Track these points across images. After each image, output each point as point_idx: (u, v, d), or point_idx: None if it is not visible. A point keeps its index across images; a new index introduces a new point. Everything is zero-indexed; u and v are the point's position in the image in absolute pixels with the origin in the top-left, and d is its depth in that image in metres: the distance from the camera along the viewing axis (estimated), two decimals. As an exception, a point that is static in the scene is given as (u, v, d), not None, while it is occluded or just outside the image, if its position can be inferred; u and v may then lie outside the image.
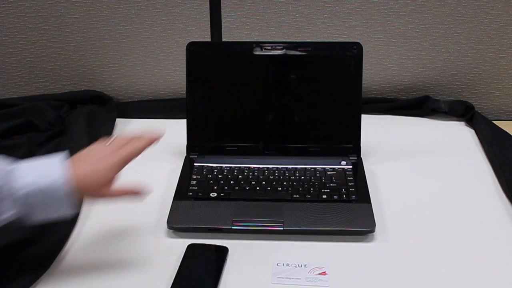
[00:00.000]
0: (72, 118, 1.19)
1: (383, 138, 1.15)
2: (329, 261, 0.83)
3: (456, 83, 1.27)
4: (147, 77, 1.29)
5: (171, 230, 0.89)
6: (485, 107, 1.28)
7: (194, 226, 0.89)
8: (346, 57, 1.04)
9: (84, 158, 0.78)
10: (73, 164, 0.76)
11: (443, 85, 1.27)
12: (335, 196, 0.95)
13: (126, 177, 1.04)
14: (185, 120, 1.06)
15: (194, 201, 0.94)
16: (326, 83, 1.06)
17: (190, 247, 0.85)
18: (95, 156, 0.78)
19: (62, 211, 0.75)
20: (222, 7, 1.20)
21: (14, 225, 0.74)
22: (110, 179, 0.78)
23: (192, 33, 1.23)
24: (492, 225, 0.91)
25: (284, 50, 1.04)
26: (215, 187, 0.97)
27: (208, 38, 1.23)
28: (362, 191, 0.96)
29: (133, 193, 0.81)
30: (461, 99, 1.26)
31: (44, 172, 0.74)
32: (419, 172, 1.05)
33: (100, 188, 0.77)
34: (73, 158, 0.78)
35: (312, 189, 0.97)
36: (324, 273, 0.81)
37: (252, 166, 1.03)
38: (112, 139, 0.82)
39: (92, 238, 0.89)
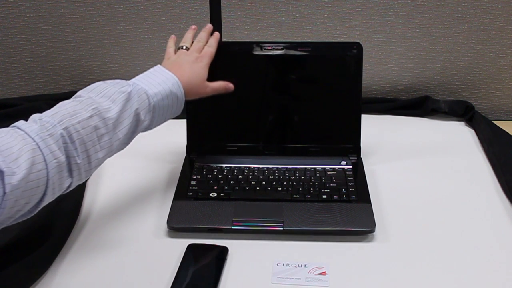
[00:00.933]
0: (72, 118, 1.19)
1: (383, 138, 1.15)
2: (329, 261, 0.83)
3: (456, 83, 1.27)
4: (147, 77, 1.29)
5: (171, 230, 0.89)
6: (485, 107, 1.29)
7: (194, 226, 0.89)
8: (346, 57, 1.04)
9: (178, 65, 0.92)
10: (174, 72, 0.88)
11: (443, 85, 1.27)
12: (335, 196, 0.95)
13: (126, 177, 1.05)
14: (185, 120, 1.06)
15: (194, 201, 0.94)
16: (326, 83, 1.06)
17: (190, 247, 0.85)
18: (187, 62, 0.93)
19: (177, 111, 0.89)
20: (222, 7, 1.20)
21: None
22: (205, 77, 0.93)
23: (192, 33, 1.23)
24: (492, 225, 0.91)
25: (284, 50, 1.04)
26: (215, 187, 0.97)
27: (208, 38, 1.23)
28: (362, 191, 0.96)
29: (226, 88, 0.97)
30: (461, 99, 1.26)
31: (162, 80, 0.86)
32: (419, 172, 1.05)
33: (200, 86, 0.92)
34: (169, 67, 0.90)
35: (312, 189, 0.97)
36: (324, 273, 0.81)
37: (252, 166, 1.03)
38: (185, 42, 0.98)
39: (92, 238, 0.89)
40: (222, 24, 1.21)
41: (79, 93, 0.81)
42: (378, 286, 0.79)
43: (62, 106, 0.76)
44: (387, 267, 0.83)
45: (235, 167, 1.02)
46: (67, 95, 1.25)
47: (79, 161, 0.74)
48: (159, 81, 0.86)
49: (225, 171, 1.01)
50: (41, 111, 1.22)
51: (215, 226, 0.89)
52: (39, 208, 0.72)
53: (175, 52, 0.97)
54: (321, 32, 1.22)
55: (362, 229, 0.88)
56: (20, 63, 1.27)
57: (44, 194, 0.70)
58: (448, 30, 1.21)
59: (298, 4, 1.19)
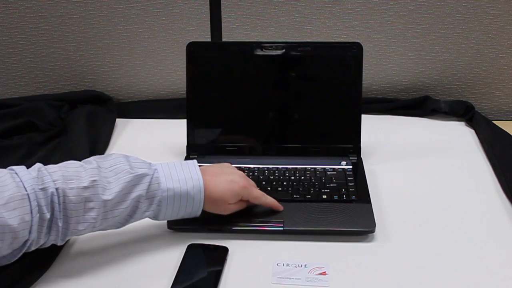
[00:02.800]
0: (72, 118, 1.19)
1: (383, 138, 1.15)
2: (329, 261, 0.83)
3: (456, 83, 1.27)
4: (147, 77, 1.29)
5: (171, 230, 0.89)
6: (485, 107, 1.28)
7: (194, 226, 0.89)
8: (346, 57, 1.04)
9: (215, 173, 0.86)
10: (205, 176, 0.83)
11: (443, 85, 1.27)
12: (335, 196, 0.95)
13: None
14: (185, 120, 1.06)
15: (194, 201, 0.94)
16: (326, 83, 1.06)
17: (190, 247, 0.85)
18: (226, 175, 0.86)
19: (191, 213, 0.84)
20: (222, 7, 1.20)
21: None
22: (228, 202, 0.85)
23: (192, 33, 1.23)
24: (492, 225, 0.91)
25: (284, 50, 1.04)
26: (215, 187, 0.97)
27: (208, 38, 1.23)
28: (362, 191, 0.96)
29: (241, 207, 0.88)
30: (461, 99, 1.26)
31: (184, 178, 0.81)
32: (419, 172, 1.05)
33: (221, 205, 0.85)
34: (205, 170, 0.85)
35: (312, 189, 0.97)
36: (324, 273, 0.81)
37: (252, 166, 1.03)
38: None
39: (92, 238, 0.89)
40: (222, 24, 1.21)
41: (92, 158, 0.80)
42: (378, 286, 0.79)
43: (67, 166, 0.76)
44: (387, 267, 0.83)
45: (235, 167, 1.02)
46: (67, 95, 1.28)
47: (59, 224, 0.74)
48: (181, 177, 0.81)
49: (225, 171, 1.01)
50: (41, 111, 1.23)
51: (215, 226, 0.89)
52: (18, 256, 0.74)
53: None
54: (321, 32, 1.22)
55: (362, 229, 0.88)
56: (20, 63, 1.27)
57: (24, 244, 0.72)
58: (448, 30, 1.21)
59: (298, 4, 1.19)
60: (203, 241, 0.86)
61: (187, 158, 1.06)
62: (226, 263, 0.83)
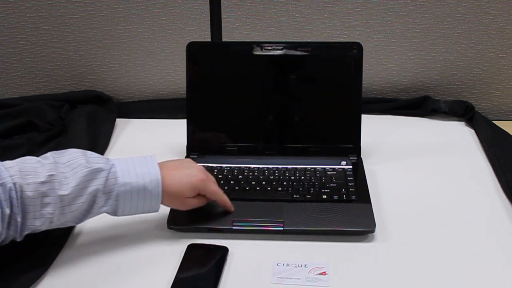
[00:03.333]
0: (72, 118, 1.19)
1: (383, 138, 1.15)
2: (329, 261, 0.83)
3: (456, 83, 1.27)
4: (147, 77, 1.29)
5: (171, 230, 0.89)
6: (485, 107, 1.28)
7: (194, 226, 0.89)
8: (346, 57, 1.04)
9: (174, 167, 0.85)
10: (162, 170, 0.82)
11: (443, 85, 1.27)
12: (335, 196, 0.95)
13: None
14: (185, 120, 1.06)
15: (194, 201, 0.94)
16: (326, 83, 1.06)
17: (190, 247, 0.85)
18: (185, 169, 0.86)
19: (150, 208, 0.83)
20: (222, 7, 1.20)
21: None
22: (186, 196, 0.85)
23: (192, 33, 1.23)
24: (492, 225, 0.91)
25: (284, 50, 1.04)
26: (215, 187, 0.97)
27: (208, 38, 1.23)
28: (362, 191, 0.96)
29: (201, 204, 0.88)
30: (461, 99, 1.26)
31: (142, 172, 0.81)
32: (419, 172, 1.05)
33: (179, 200, 0.85)
34: (164, 164, 0.84)
35: (312, 189, 0.97)
36: (324, 273, 0.81)
37: (252, 166, 1.03)
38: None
39: (92, 238, 0.89)
40: (222, 24, 1.21)
41: (49, 154, 0.79)
42: (378, 286, 0.79)
43: (25, 162, 0.76)
44: (387, 267, 0.83)
45: (235, 167, 1.02)
46: (67, 95, 1.28)
47: (18, 219, 0.73)
48: (139, 172, 0.81)
49: (225, 171, 1.01)
50: (41, 111, 1.23)
51: (215, 226, 0.89)
52: None
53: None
54: (321, 32, 1.22)
55: (362, 229, 0.88)
56: (20, 63, 1.27)
57: None
58: (448, 30, 1.21)
59: (298, 4, 1.19)
60: (203, 241, 0.86)
61: (187, 158, 1.06)
62: (226, 263, 0.83)
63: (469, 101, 1.25)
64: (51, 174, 0.75)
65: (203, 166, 1.02)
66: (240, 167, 1.02)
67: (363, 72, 1.04)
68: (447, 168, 1.06)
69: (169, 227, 0.89)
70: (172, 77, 1.29)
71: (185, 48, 1.04)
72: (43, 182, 0.74)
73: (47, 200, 0.74)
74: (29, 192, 0.73)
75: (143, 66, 1.28)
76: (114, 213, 0.82)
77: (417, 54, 1.24)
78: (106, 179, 0.79)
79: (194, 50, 1.05)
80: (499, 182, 1.02)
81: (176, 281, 0.78)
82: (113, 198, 0.80)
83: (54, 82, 1.30)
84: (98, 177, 0.78)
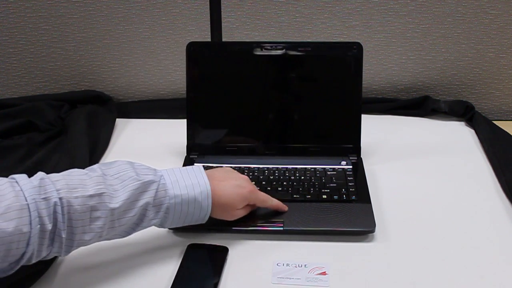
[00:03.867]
0: (72, 118, 1.19)
1: (383, 138, 1.15)
2: (329, 261, 0.83)
3: (456, 83, 1.27)
4: (147, 77, 1.29)
5: (171, 230, 0.89)
6: (485, 107, 1.29)
7: (194, 226, 0.89)
8: (346, 57, 1.04)
9: (221, 178, 0.85)
10: (211, 181, 0.81)
11: (443, 85, 1.27)
12: (335, 196, 0.95)
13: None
14: (185, 120, 1.06)
15: (194, 201, 0.94)
16: (326, 83, 1.06)
17: (190, 247, 0.85)
18: (233, 180, 0.85)
19: (198, 220, 0.82)
20: (222, 7, 1.20)
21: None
22: (237, 208, 0.85)
23: (192, 33, 1.23)
24: (492, 225, 0.91)
25: (284, 50, 1.04)
26: (215, 187, 0.97)
27: (208, 38, 1.23)
28: (362, 191, 0.96)
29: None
30: (461, 99, 1.26)
31: (191, 183, 0.80)
32: (419, 172, 1.05)
33: (228, 212, 0.85)
34: (210, 174, 0.84)
35: (312, 189, 0.97)
36: (324, 273, 0.81)
37: (252, 166, 1.03)
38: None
39: (92, 238, 0.89)
40: (222, 24, 1.21)
41: (96, 166, 0.77)
42: (378, 286, 0.79)
43: (71, 174, 0.73)
44: (387, 267, 0.83)
45: (235, 167, 1.02)
46: (67, 95, 1.28)
47: (63, 235, 0.70)
48: (188, 183, 0.79)
49: (225, 171, 1.01)
50: (41, 111, 1.23)
51: (215, 226, 0.89)
52: (15, 269, 0.69)
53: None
54: (321, 32, 1.22)
55: (362, 229, 0.88)
56: (20, 63, 1.27)
57: (22, 257, 0.68)
58: (448, 30, 1.21)
59: (298, 4, 1.19)
60: (203, 241, 0.86)
61: (187, 158, 1.06)
62: (226, 263, 0.83)
63: (469, 101, 1.25)
64: (99, 188, 0.72)
65: (203, 166, 1.03)
66: (240, 167, 1.02)
67: (363, 72, 1.04)
68: (447, 168, 1.06)
69: (169, 227, 0.89)
70: (172, 77, 1.29)
71: (185, 48, 1.04)
72: (91, 196, 0.71)
73: (97, 214, 0.72)
74: (77, 206, 0.70)
75: (143, 66, 1.28)
76: (162, 225, 0.81)
77: (417, 54, 1.24)
78: (157, 192, 0.77)
79: (194, 50, 1.05)
80: (499, 182, 1.02)
81: (176, 281, 0.78)
82: (163, 210, 0.78)
83: (54, 82, 1.30)
84: (149, 190, 0.76)
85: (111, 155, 1.11)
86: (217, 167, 1.02)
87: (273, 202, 0.90)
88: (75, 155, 1.05)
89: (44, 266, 0.81)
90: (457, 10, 1.18)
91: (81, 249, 0.85)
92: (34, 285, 0.79)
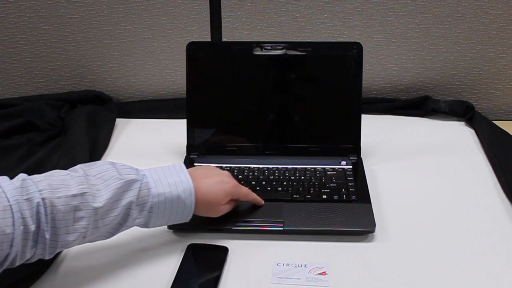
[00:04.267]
0: (72, 118, 1.19)
1: (383, 138, 1.15)
2: (329, 261, 0.83)
3: (456, 83, 1.27)
4: (147, 77, 1.29)
5: (171, 230, 0.89)
6: (485, 107, 1.29)
7: (194, 226, 0.89)
8: (346, 57, 1.04)
9: (204, 175, 0.85)
10: (193, 178, 0.81)
11: (443, 85, 1.27)
12: (335, 196, 0.95)
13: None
14: (185, 120, 1.06)
15: (194, 201, 0.94)
16: (326, 83, 1.06)
17: (190, 247, 0.85)
18: (216, 176, 0.86)
19: (181, 218, 0.82)
20: (222, 7, 1.20)
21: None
22: (221, 203, 0.85)
23: (192, 33, 1.23)
24: (492, 225, 0.91)
25: (284, 50, 1.04)
26: (215, 187, 0.97)
27: (208, 38, 1.23)
28: (362, 191, 0.96)
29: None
30: (461, 99, 1.26)
31: (174, 181, 0.79)
32: (419, 172, 1.05)
33: (213, 208, 0.85)
34: (193, 172, 0.83)
35: (312, 189, 0.97)
36: (324, 273, 0.81)
37: (252, 166, 1.03)
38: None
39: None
40: (222, 24, 1.21)
41: (78, 166, 0.77)
42: (378, 286, 0.79)
43: (53, 175, 0.73)
44: (387, 267, 0.83)
45: (235, 167, 1.02)
46: (67, 95, 1.28)
47: (47, 236, 0.69)
48: (171, 181, 0.79)
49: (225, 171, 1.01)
50: (41, 111, 1.23)
51: (215, 226, 0.89)
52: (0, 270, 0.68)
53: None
54: (321, 32, 1.22)
55: (362, 229, 0.88)
56: (20, 63, 1.27)
57: (6, 259, 0.67)
58: (448, 30, 1.21)
59: (298, 4, 1.19)
60: (203, 241, 0.86)
61: (187, 158, 1.06)
62: (226, 263, 0.83)
63: (469, 101, 1.25)
64: (82, 187, 0.72)
65: (203, 166, 1.03)
66: (240, 167, 1.02)
67: (363, 72, 1.04)
68: (447, 168, 1.06)
69: (169, 227, 0.89)
70: (172, 77, 1.29)
71: (185, 48, 1.04)
72: (74, 195, 0.71)
73: (80, 214, 0.71)
74: (60, 206, 0.70)
75: (143, 66, 1.28)
76: (145, 225, 0.80)
77: (417, 54, 1.24)
78: (140, 190, 0.76)
79: (194, 50, 1.05)
80: (499, 182, 1.02)
81: (176, 281, 0.78)
82: (147, 209, 0.78)
83: (54, 82, 1.30)
84: (132, 189, 0.76)
85: (111, 155, 1.11)
86: (217, 167, 1.02)
87: (254, 196, 0.91)
88: (75, 155, 1.06)
89: (44, 266, 0.81)
90: (457, 10, 1.18)
91: (81, 249, 0.86)
92: (34, 285, 0.79)
